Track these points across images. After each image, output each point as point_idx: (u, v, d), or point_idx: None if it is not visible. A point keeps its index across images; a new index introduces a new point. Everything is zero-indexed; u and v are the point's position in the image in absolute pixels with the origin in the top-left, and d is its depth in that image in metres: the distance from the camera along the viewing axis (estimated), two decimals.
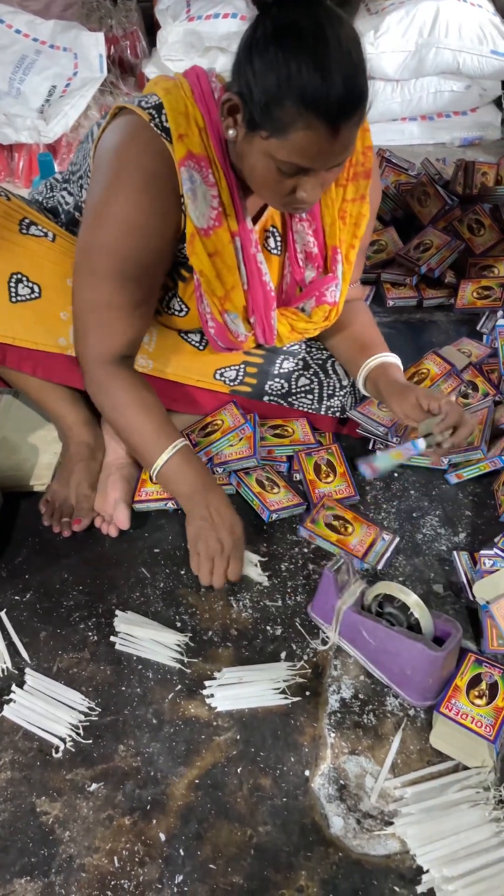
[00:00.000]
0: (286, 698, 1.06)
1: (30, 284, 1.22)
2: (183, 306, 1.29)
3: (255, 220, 1.24)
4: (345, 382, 1.44)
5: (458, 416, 1.22)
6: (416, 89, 2.81)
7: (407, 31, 2.72)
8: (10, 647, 1.13)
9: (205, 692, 1.07)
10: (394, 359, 1.36)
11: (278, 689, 1.07)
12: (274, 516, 1.31)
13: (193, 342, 1.37)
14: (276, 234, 1.27)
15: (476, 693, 1.03)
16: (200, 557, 1.18)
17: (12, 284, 1.23)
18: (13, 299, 1.23)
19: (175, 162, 1.10)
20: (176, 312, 1.30)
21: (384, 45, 2.71)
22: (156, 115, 1.10)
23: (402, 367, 1.37)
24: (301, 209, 1.12)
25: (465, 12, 2.74)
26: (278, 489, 1.35)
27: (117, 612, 1.18)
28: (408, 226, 2.13)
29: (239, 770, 0.99)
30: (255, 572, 1.24)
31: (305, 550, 1.28)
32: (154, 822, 0.94)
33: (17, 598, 1.21)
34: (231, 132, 1.06)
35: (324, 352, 1.46)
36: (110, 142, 1.13)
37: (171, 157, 1.11)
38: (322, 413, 1.44)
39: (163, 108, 1.11)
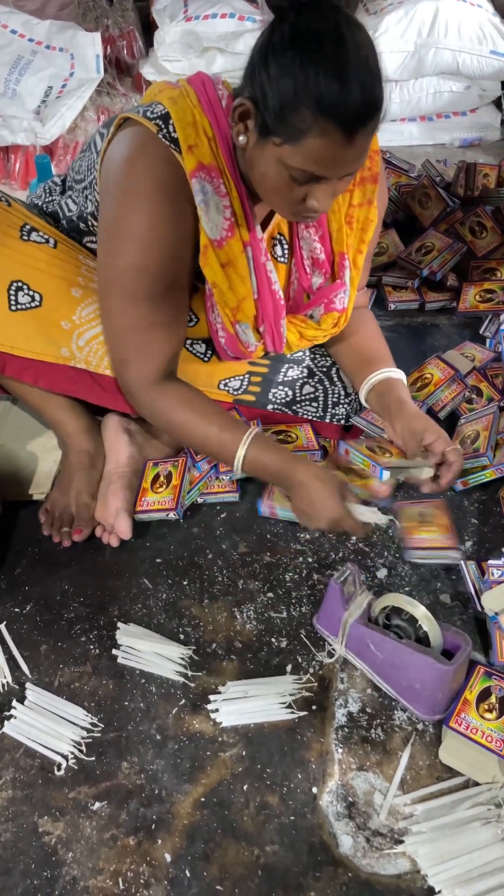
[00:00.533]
0: (292, 713, 1.05)
1: (30, 293, 1.20)
2: (193, 316, 1.27)
3: (262, 228, 1.22)
4: (350, 390, 1.42)
5: (458, 469, 1.22)
6: (415, 90, 2.80)
7: (406, 31, 2.70)
8: (11, 661, 1.11)
9: (209, 707, 1.05)
10: (399, 374, 1.33)
11: (284, 703, 1.05)
12: None
13: (198, 353, 1.35)
14: (283, 241, 1.25)
15: (486, 707, 1.01)
16: None
17: (12, 292, 1.20)
18: (13, 307, 1.20)
19: (186, 173, 1.08)
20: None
21: (383, 45, 2.69)
22: (163, 126, 1.08)
23: (406, 384, 1.34)
24: (311, 218, 1.10)
25: (464, 12, 2.72)
26: None
27: (119, 624, 1.16)
28: (409, 228, 2.11)
29: (245, 787, 0.97)
30: (375, 517, 1.19)
31: (310, 560, 1.26)
32: (159, 841, 0.92)
33: (16, 610, 1.19)
34: (241, 138, 1.04)
35: (328, 358, 1.44)
36: (118, 154, 1.11)
37: (181, 168, 1.08)
38: (327, 421, 1.42)
39: (169, 117, 1.08)
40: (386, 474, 1.20)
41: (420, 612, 1.04)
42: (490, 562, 1.19)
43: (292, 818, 0.95)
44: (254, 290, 1.22)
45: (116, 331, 1.16)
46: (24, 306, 1.20)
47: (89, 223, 1.28)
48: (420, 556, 1.25)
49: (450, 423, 1.52)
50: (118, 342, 1.16)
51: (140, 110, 1.11)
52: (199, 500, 1.36)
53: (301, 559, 1.26)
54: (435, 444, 1.20)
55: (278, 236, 1.25)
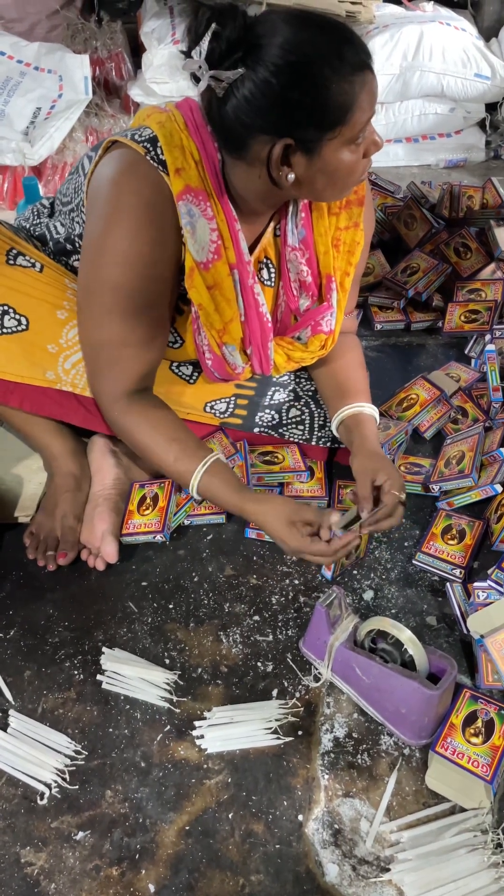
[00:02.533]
0: (278, 738, 1.04)
1: (16, 317, 1.20)
2: (178, 338, 1.28)
3: (249, 252, 1.22)
4: None
5: (389, 516, 1.17)
6: (400, 112, 2.82)
7: (391, 54, 2.73)
8: None
9: (194, 733, 1.04)
10: (370, 410, 1.31)
11: (270, 728, 1.05)
12: None
13: (184, 375, 1.35)
14: (270, 264, 1.26)
15: (472, 731, 1.00)
16: None
17: None
18: None
19: (173, 195, 1.10)
20: (170, 344, 1.28)
21: None
22: (151, 149, 1.10)
23: (377, 420, 1.32)
24: (367, 171, 1.14)
25: (448, 36, 2.76)
26: None
27: (104, 649, 1.15)
28: (395, 248, 2.13)
29: (230, 815, 0.97)
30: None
31: (296, 582, 1.26)
32: (143, 872, 0.91)
33: (0, 635, 1.17)
34: (291, 176, 1.07)
35: (313, 382, 1.44)
36: (105, 175, 1.12)
37: (168, 190, 1.10)
38: (314, 444, 1.42)
39: (157, 140, 1.10)
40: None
41: (406, 635, 1.03)
42: (476, 584, 1.19)
43: (278, 846, 0.94)
44: (241, 312, 1.22)
45: (89, 343, 1.18)
46: (9, 330, 1.20)
47: (76, 244, 1.28)
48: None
49: (435, 444, 1.53)
50: (90, 354, 1.19)
51: (128, 133, 1.12)
52: (186, 522, 1.35)
53: (287, 581, 1.26)
54: (384, 485, 1.16)
55: (265, 260, 1.26)
